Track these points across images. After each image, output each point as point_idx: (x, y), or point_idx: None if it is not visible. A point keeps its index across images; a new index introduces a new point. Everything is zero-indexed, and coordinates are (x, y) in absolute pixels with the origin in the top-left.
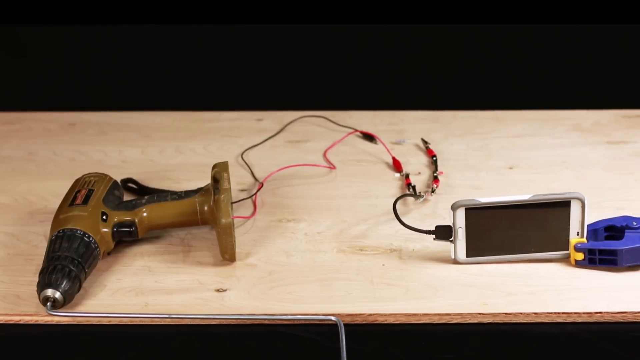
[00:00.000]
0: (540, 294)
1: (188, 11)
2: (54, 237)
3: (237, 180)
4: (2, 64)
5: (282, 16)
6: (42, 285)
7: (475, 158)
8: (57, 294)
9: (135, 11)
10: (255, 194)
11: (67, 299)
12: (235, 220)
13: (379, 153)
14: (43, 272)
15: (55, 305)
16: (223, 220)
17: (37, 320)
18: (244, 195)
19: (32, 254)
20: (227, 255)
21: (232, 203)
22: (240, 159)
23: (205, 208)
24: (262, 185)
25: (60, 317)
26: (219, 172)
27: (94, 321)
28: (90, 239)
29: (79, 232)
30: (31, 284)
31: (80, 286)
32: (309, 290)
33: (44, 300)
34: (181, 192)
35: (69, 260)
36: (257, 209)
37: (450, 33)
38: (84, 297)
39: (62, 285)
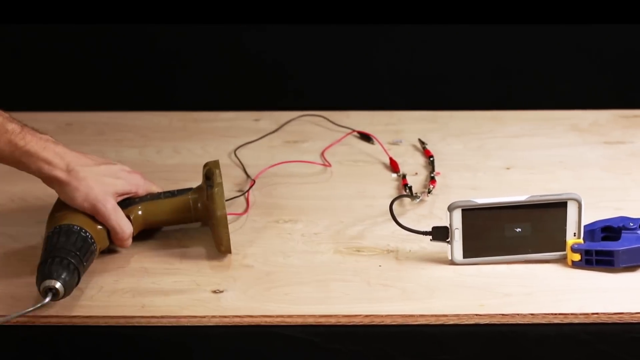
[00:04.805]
0: (537, 295)
1: (186, 11)
2: (50, 233)
3: (231, 180)
4: None
5: (281, 16)
6: (42, 277)
7: (472, 158)
8: (58, 284)
9: (133, 11)
10: (248, 190)
11: (67, 291)
12: (229, 217)
13: (376, 153)
14: (42, 265)
15: (57, 296)
16: (218, 212)
17: (34, 322)
18: (238, 193)
19: (29, 254)
20: (222, 247)
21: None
22: (233, 155)
23: (199, 205)
24: (254, 182)
25: (58, 319)
26: (211, 169)
27: (91, 322)
28: (87, 234)
29: (75, 227)
30: (27, 285)
31: (79, 279)
32: (306, 292)
33: (45, 292)
34: (174, 190)
35: (67, 253)
36: (251, 207)
37: (448, 33)
38: (80, 299)
39: (63, 276)
